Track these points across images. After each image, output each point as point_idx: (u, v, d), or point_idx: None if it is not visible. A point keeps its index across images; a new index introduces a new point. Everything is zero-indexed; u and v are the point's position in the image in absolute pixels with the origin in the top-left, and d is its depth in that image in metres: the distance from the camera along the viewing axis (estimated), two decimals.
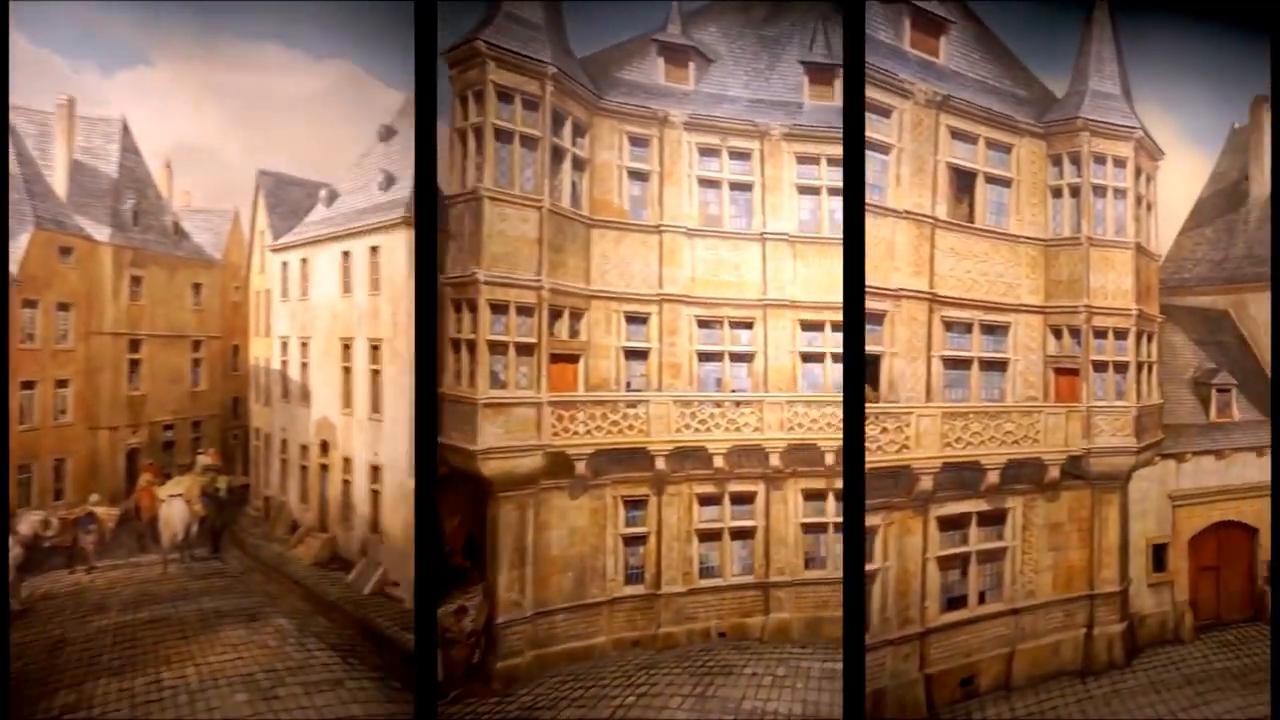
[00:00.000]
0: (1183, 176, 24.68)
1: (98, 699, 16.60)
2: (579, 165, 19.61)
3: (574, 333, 19.32)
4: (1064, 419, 19.38)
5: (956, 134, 19.25)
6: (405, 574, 20.98)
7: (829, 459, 20.19)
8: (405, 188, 22.97)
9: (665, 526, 20.11)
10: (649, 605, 19.96)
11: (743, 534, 20.71)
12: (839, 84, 21.13)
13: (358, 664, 18.28)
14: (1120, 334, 20.01)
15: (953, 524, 18.76)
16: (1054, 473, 19.30)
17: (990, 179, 19.74)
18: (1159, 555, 21.62)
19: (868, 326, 17.66)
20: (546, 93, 18.45)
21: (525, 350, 18.20)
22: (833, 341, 20.75)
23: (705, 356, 20.62)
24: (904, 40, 19.07)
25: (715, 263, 20.58)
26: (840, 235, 20.30)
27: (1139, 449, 20.03)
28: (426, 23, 17.19)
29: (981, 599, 19.04)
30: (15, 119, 21.37)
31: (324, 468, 25.06)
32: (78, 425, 24.54)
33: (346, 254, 24.38)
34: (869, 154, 17.89)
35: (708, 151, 20.73)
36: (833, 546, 20.71)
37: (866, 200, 17.53)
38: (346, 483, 24.12)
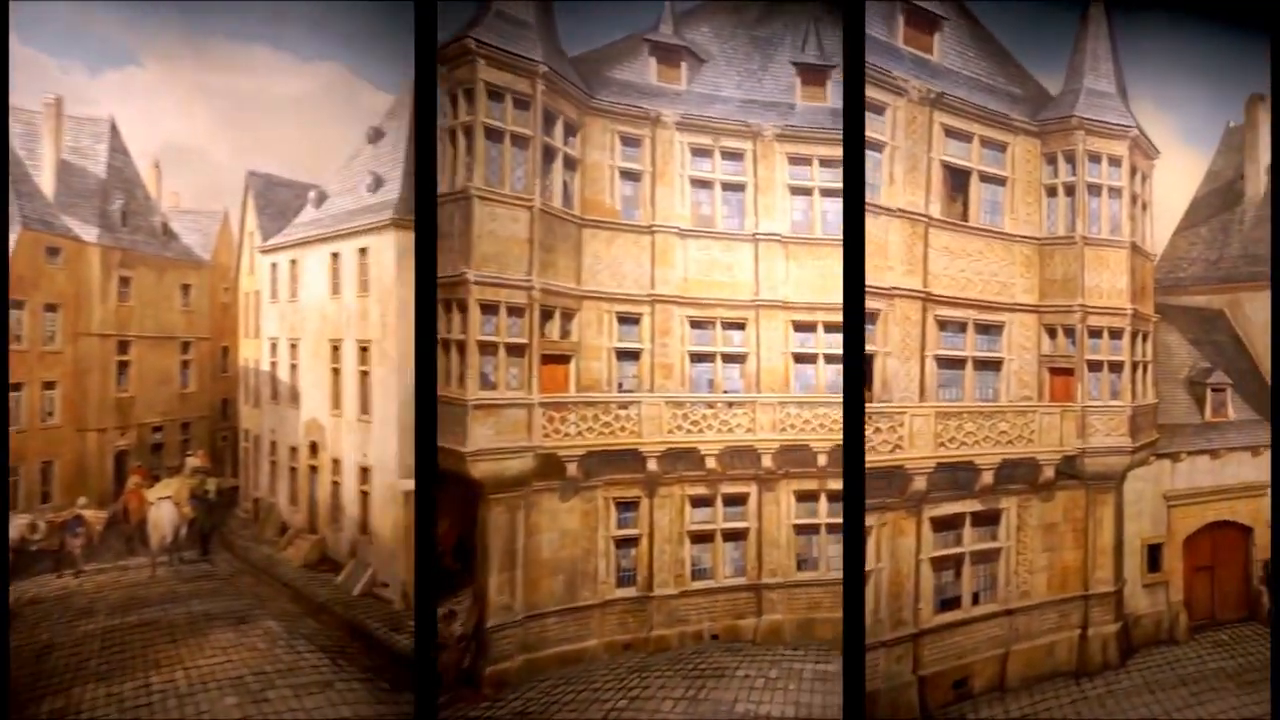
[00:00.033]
0: (1178, 175, 24.69)
1: (85, 704, 16.44)
2: (570, 165, 19.48)
3: (565, 333, 19.20)
4: (1059, 419, 19.30)
5: (951, 132, 19.14)
6: (394, 575, 20.96)
7: (821, 460, 20.17)
8: (394, 190, 22.95)
9: (657, 528, 19.99)
10: (641, 608, 19.83)
11: (735, 535, 20.60)
12: (831, 85, 21.25)
13: (347, 665, 18.16)
14: (1115, 333, 19.95)
15: (946, 524, 18.65)
16: (1049, 473, 19.23)
17: (985, 177, 19.64)
18: (1154, 555, 21.57)
19: None
20: (538, 91, 18.30)
21: (516, 351, 18.05)
22: (825, 342, 20.71)
23: (697, 357, 20.51)
24: (897, 37, 18.93)
25: (708, 263, 20.47)
26: (832, 236, 20.56)
27: (1134, 449, 19.96)
28: (426, 22, 17.05)
29: (976, 600, 18.96)
30: None
31: (313, 469, 24.95)
32: (65, 427, 24.41)
33: (335, 255, 24.29)
34: None
35: (700, 152, 20.63)
36: (825, 548, 20.69)
37: None
38: (336, 484, 24.04)
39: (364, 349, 23.18)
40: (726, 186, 20.77)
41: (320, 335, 24.78)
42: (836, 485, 20.32)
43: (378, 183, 23.79)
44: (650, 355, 20.09)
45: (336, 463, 24.06)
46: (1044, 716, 17.82)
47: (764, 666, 18.88)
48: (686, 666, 18.84)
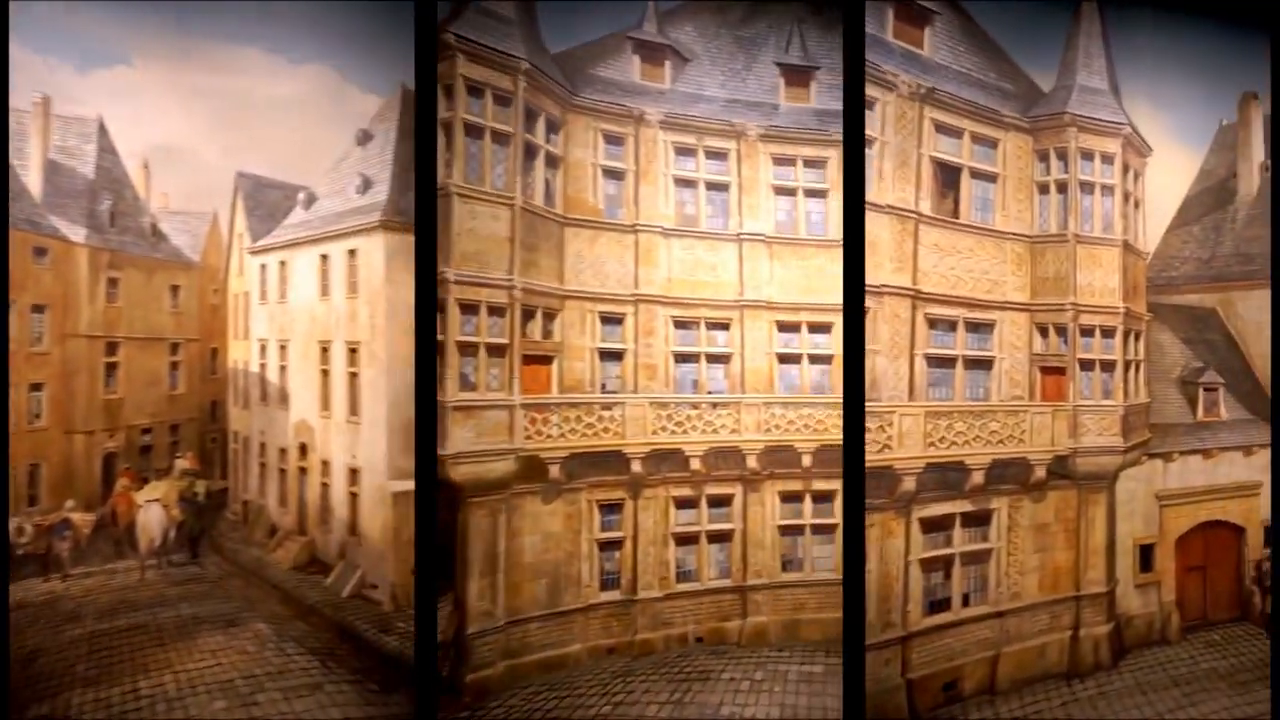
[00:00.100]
0: (1171, 173, 24.53)
1: (73, 710, 16.40)
2: (552, 163, 19.30)
3: (547, 333, 19.00)
4: (1050, 418, 19.10)
5: (941, 128, 18.94)
6: (383, 576, 20.92)
7: (806, 460, 20.03)
8: (382, 192, 22.97)
9: (641, 530, 19.81)
10: (625, 611, 19.65)
11: (720, 537, 20.44)
12: (815, 86, 21.24)
13: (336, 668, 18.13)
14: (1107, 332, 19.76)
15: (936, 525, 18.44)
16: (1040, 473, 19.02)
17: (976, 174, 19.44)
18: (1146, 555, 21.40)
19: None
20: (519, 88, 18.13)
21: (497, 351, 17.84)
22: (809, 343, 20.61)
23: (681, 358, 20.33)
24: (887, 31, 18.67)
25: (692, 263, 20.29)
26: (816, 237, 20.59)
27: (1126, 448, 19.78)
28: (426, 21, 16.92)
29: (965, 602, 18.75)
30: None
31: (302, 471, 24.91)
32: (53, 429, 24.38)
33: (324, 257, 24.25)
34: None
35: (684, 151, 20.46)
36: (810, 549, 20.56)
37: None
38: (325, 486, 24.00)
39: (353, 350, 23.14)
40: (710, 186, 20.59)
41: (309, 337, 24.73)
42: (821, 486, 20.35)
43: (366, 185, 23.75)
44: (634, 356, 19.89)
45: (325, 464, 24.03)
46: (1035, 719, 17.65)
47: (749, 669, 18.73)
48: (671, 670, 18.69)
